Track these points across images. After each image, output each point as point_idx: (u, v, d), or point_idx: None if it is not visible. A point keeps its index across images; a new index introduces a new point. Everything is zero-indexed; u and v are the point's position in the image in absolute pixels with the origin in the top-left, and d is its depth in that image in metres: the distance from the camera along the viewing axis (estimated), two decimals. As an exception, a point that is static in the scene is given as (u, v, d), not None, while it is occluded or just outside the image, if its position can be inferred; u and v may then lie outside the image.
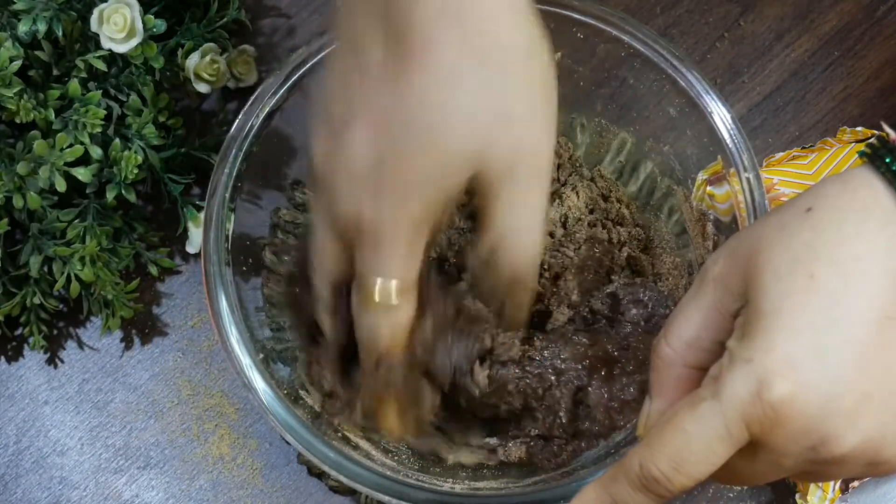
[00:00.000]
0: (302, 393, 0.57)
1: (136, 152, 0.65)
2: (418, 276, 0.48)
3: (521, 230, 0.50)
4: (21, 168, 0.63)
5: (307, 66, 0.60)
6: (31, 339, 0.68)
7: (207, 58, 0.69)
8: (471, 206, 0.50)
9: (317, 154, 0.48)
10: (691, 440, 0.42)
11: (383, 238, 0.47)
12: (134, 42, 0.65)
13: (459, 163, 0.46)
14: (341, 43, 0.46)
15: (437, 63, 0.44)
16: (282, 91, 0.60)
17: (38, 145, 0.62)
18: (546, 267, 0.60)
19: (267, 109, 0.60)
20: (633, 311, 0.56)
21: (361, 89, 0.45)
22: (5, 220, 0.64)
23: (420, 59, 0.44)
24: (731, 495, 0.66)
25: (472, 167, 0.46)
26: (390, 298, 0.48)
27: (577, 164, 0.66)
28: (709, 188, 0.60)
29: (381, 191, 0.46)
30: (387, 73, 0.44)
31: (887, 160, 0.42)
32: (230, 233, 0.59)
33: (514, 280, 0.51)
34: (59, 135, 0.63)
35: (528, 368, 0.54)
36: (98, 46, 0.65)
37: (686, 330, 0.46)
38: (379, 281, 0.47)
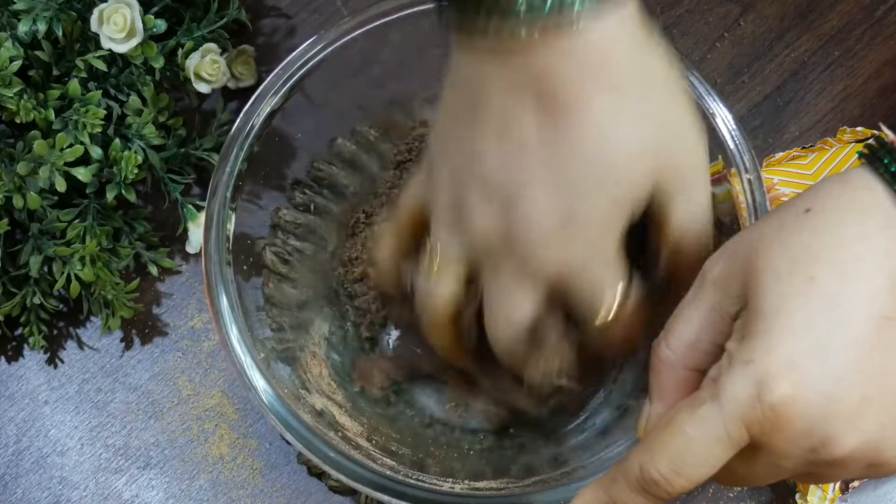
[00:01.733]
0: (302, 392, 0.57)
1: (136, 152, 0.65)
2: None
3: (697, 224, 0.52)
4: (21, 168, 0.63)
5: (308, 65, 0.60)
6: (31, 339, 0.68)
7: (207, 58, 0.69)
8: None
9: (484, 226, 0.50)
10: (691, 442, 0.42)
11: (599, 272, 0.50)
12: (134, 42, 0.65)
13: (637, 193, 0.49)
14: (477, 126, 0.49)
15: (591, 116, 0.47)
16: (283, 91, 0.60)
17: (38, 145, 0.62)
18: None
19: (268, 109, 0.60)
20: None
21: (525, 159, 0.48)
22: (5, 220, 0.64)
23: (576, 117, 0.47)
24: (731, 495, 0.66)
25: (648, 191, 0.49)
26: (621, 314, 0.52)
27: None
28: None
29: (581, 239, 0.49)
30: (546, 138, 0.47)
31: (886, 161, 0.42)
32: (231, 232, 0.59)
33: (693, 268, 0.53)
34: (59, 135, 0.63)
35: None
36: (98, 46, 0.65)
37: (685, 332, 0.46)
38: (610, 309, 0.52)
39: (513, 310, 0.52)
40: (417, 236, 0.56)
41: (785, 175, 0.68)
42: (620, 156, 0.48)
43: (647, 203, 0.50)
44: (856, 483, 0.64)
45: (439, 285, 0.54)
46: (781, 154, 0.70)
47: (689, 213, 0.51)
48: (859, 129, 0.69)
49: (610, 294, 0.51)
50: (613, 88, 0.47)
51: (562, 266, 0.50)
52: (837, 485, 0.64)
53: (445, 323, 0.55)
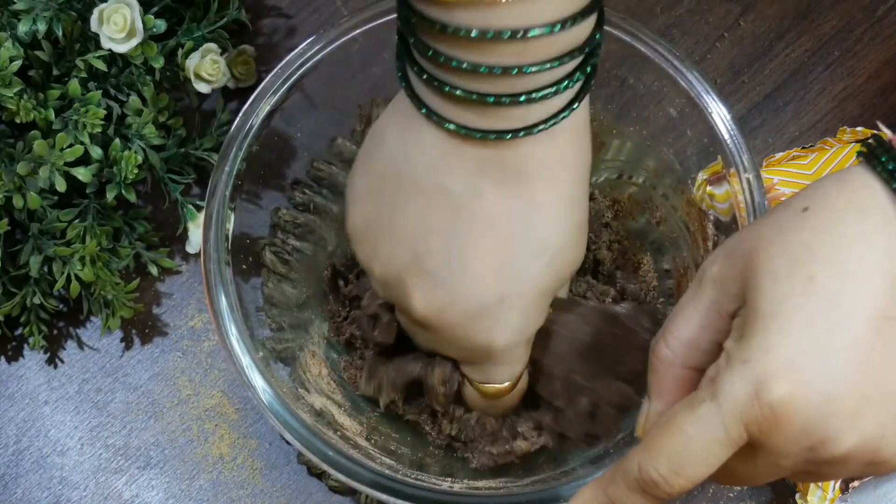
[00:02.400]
0: (301, 392, 0.57)
1: (136, 152, 0.65)
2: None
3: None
4: (21, 168, 0.63)
5: (307, 65, 0.60)
6: (31, 339, 0.68)
7: (207, 58, 0.69)
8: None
9: (418, 309, 0.51)
10: (690, 442, 0.42)
11: (510, 356, 0.54)
12: (134, 42, 0.65)
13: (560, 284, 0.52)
14: (421, 203, 0.49)
15: (543, 200, 0.48)
16: (282, 90, 0.60)
17: (38, 145, 0.62)
18: None
19: (267, 109, 0.60)
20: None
21: (467, 238, 0.49)
22: (5, 220, 0.64)
23: (534, 200, 0.48)
24: (731, 495, 0.66)
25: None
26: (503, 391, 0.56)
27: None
28: (709, 188, 0.60)
29: (511, 319, 0.51)
30: (502, 218, 0.48)
31: (883, 159, 0.42)
32: (230, 232, 0.59)
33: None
34: (59, 135, 0.63)
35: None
36: (98, 46, 0.65)
37: (684, 331, 0.46)
38: (495, 386, 0.56)
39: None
40: None
41: (785, 175, 0.68)
42: (559, 244, 0.50)
43: None
44: (856, 483, 0.64)
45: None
46: (781, 154, 0.70)
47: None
48: (859, 129, 0.69)
49: (509, 374, 0.56)
50: (558, 179, 0.48)
51: (489, 346, 0.52)
52: (837, 485, 0.64)
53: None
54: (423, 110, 0.46)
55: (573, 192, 0.49)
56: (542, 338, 0.56)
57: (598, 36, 0.46)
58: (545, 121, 0.46)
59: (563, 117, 0.46)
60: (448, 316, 0.51)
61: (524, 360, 0.55)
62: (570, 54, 0.44)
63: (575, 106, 0.46)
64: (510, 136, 0.45)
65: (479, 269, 0.49)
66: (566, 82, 0.45)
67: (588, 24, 0.45)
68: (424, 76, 0.45)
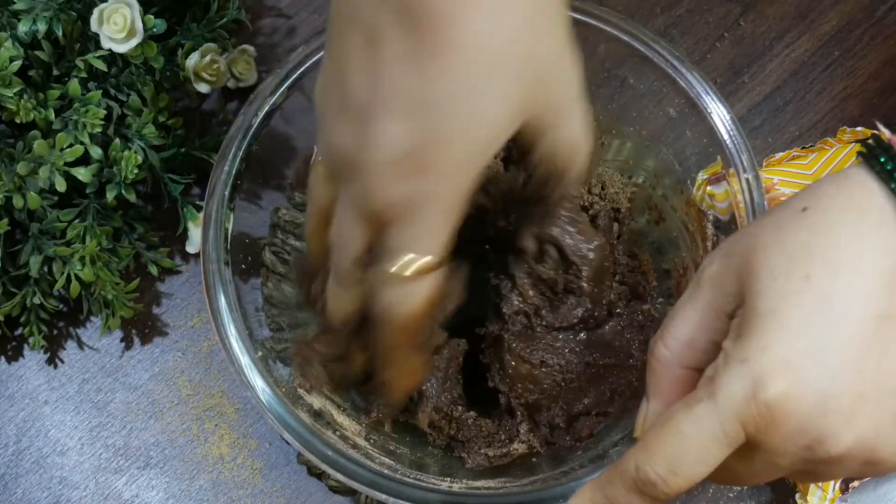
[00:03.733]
0: (301, 392, 0.57)
1: (136, 152, 0.65)
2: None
3: (572, 141, 0.50)
4: (21, 168, 0.63)
5: (306, 65, 0.60)
6: (31, 339, 0.68)
7: (207, 58, 0.69)
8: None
9: (337, 144, 0.46)
10: (687, 441, 0.42)
11: (426, 216, 0.46)
12: (134, 42, 0.65)
13: (501, 133, 0.46)
14: (347, 37, 0.45)
15: (464, 42, 0.43)
16: (281, 90, 0.60)
17: (38, 145, 0.62)
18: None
19: (266, 108, 0.60)
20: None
21: (384, 79, 0.44)
22: (5, 220, 0.64)
23: (447, 41, 0.43)
24: (731, 495, 0.66)
25: (514, 129, 0.46)
26: (423, 273, 0.47)
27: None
28: (709, 188, 0.60)
29: (424, 173, 0.45)
30: (411, 59, 0.43)
31: (882, 159, 0.42)
32: (229, 232, 0.59)
33: (565, 171, 0.50)
34: (59, 135, 0.63)
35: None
36: (98, 46, 0.65)
37: (682, 331, 0.46)
38: (411, 257, 0.47)
39: (343, 238, 0.48)
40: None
41: (785, 175, 0.68)
42: (489, 84, 0.44)
43: (509, 142, 0.47)
44: (856, 483, 0.64)
45: (313, 189, 0.51)
46: (781, 154, 0.70)
47: (562, 139, 0.48)
48: (859, 129, 0.69)
49: (420, 243, 0.47)
50: (489, 7, 0.43)
51: (387, 197, 0.46)
52: (837, 485, 0.64)
53: (316, 225, 0.52)
54: None
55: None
56: (532, 381, 0.57)
57: None
58: None
59: None
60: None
61: (440, 232, 0.47)
62: None
63: None
64: None
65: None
66: None
67: None
68: None
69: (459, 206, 0.46)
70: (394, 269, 0.47)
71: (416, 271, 0.47)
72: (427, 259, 0.47)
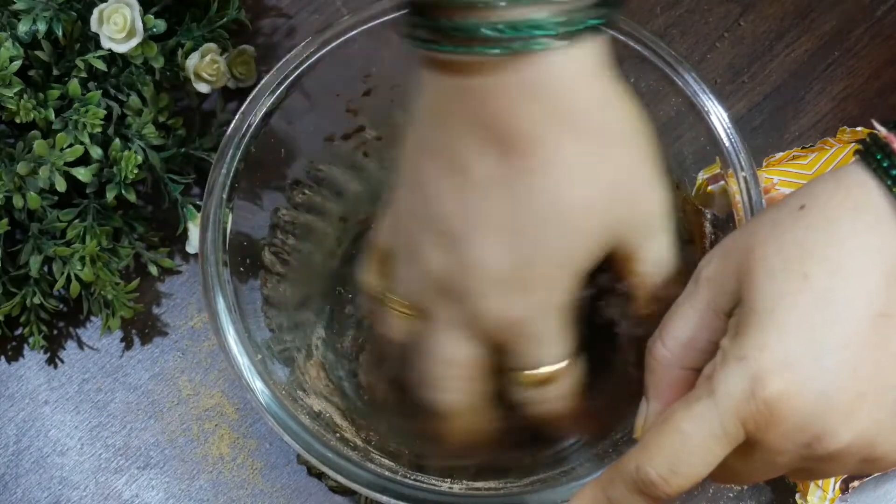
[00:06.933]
0: (300, 394, 0.57)
1: (136, 152, 0.65)
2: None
3: (662, 270, 0.51)
4: (21, 168, 0.63)
5: (306, 64, 0.60)
6: (31, 339, 0.68)
7: (207, 58, 0.69)
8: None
9: (436, 271, 0.48)
10: (688, 440, 0.42)
11: (546, 328, 0.49)
12: (134, 42, 0.65)
13: (594, 245, 0.47)
14: (429, 166, 0.47)
15: (553, 160, 0.45)
16: (280, 90, 0.60)
17: (38, 145, 0.63)
18: None
19: (265, 108, 0.60)
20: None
21: (477, 202, 0.46)
22: (5, 220, 0.64)
23: (536, 160, 0.45)
24: (731, 495, 0.66)
25: (607, 244, 0.48)
26: (555, 379, 0.51)
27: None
28: (710, 188, 0.60)
29: (533, 287, 0.47)
30: (504, 181, 0.45)
31: (878, 157, 0.42)
32: (228, 233, 0.59)
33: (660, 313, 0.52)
34: (59, 135, 0.63)
35: None
36: (98, 46, 0.65)
37: (681, 330, 0.46)
38: (544, 369, 0.50)
39: (444, 355, 0.50)
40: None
41: (785, 175, 0.68)
42: (579, 206, 0.46)
43: (603, 257, 0.48)
44: (856, 483, 0.64)
45: (388, 319, 0.53)
46: (781, 154, 0.70)
47: (653, 262, 0.50)
48: (859, 129, 0.69)
49: (548, 353, 0.50)
50: (578, 133, 0.45)
51: (503, 318, 0.48)
52: (837, 485, 0.64)
53: (390, 352, 0.55)
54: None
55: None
56: None
57: None
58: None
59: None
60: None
61: (561, 337, 0.50)
62: None
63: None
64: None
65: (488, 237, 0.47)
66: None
67: None
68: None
69: (570, 305, 0.49)
70: (536, 377, 0.50)
71: (555, 376, 0.50)
72: (562, 365, 0.50)
